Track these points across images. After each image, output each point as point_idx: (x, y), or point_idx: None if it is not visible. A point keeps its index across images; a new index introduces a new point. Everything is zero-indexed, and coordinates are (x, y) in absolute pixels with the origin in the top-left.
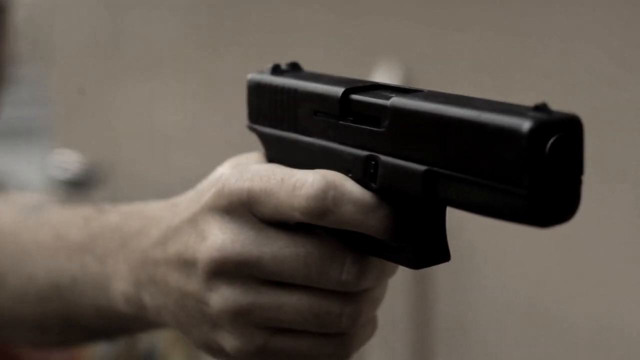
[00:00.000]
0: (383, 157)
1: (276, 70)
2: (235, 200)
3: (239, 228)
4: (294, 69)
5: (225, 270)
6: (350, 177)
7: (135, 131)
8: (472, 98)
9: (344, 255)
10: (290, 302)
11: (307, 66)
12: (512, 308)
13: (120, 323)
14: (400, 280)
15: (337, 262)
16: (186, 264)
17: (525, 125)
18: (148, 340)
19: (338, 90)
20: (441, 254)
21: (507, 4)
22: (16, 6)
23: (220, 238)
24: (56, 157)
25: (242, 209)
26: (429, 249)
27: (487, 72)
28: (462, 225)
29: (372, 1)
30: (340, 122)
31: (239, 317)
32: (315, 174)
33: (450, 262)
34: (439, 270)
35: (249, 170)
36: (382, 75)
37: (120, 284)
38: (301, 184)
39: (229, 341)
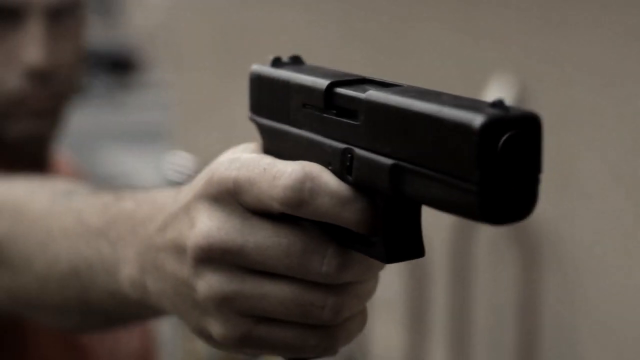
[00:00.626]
0: (358, 150)
1: (276, 62)
2: (223, 189)
3: (225, 216)
4: (295, 62)
5: (211, 257)
6: (330, 169)
7: (249, 135)
8: (442, 93)
9: (325, 247)
10: (274, 291)
11: (425, 81)
12: (618, 316)
13: (130, 308)
14: (505, 286)
15: (319, 254)
16: (179, 250)
17: (477, 120)
18: None
19: (323, 83)
20: (414, 250)
21: (621, 22)
22: (150, 13)
23: (207, 225)
24: (171, 159)
25: (229, 197)
26: (401, 244)
27: (599, 86)
28: (571, 234)
29: (488, 18)
30: (324, 114)
31: (224, 304)
32: (295, 165)
33: (557, 269)
34: (547, 276)
35: (238, 159)
36: (497, 90)
37: (127, 268)
38: (280, 174)
39: (215, 327)
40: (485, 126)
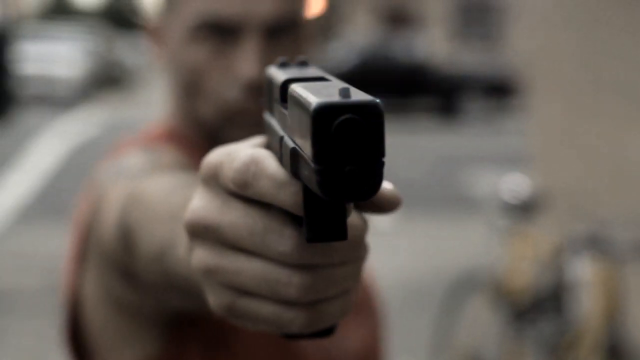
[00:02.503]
0: (285, 137)
1: (283, 64)
2: (208, 173)
3: (210, 197)
4: (300, 65)
5: (196, 231)
6: (277, 156)
7: (597, 161)
8: (337, 85)
9: (283, 228)
10: (247, 267)
11: None
12: None
13: (191, 287)
14: None
15: (276, 233)
16: None
17: (313, 104)
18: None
19: (282, 79)
20: (335, 233)
21: None
22: (530, 36)
23: (195, 204)
24: (509, 182)
25: (213, 180)
26: (322, 226)
27: None
28: None
29: None
30: (281, 107)
31: (209, 276)
32: (247, 151)
33: None
34: None
35: (225, 148)
36: None
37: (181, 249)
38: (235, 159)
39: (208, 297)
40: (317, 109)
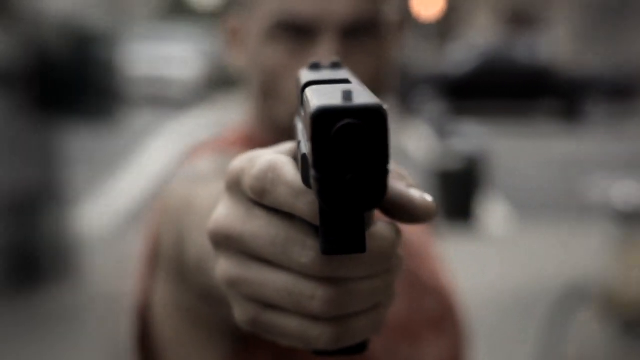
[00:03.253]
0: (301, 143)
1: (314, 66)
2: (230, 180)
3: (234, 205)
4: (333, 66)
5: (218, 241)
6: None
7: None
8: (342, 90)
9: (305, 239)
10: (271, 279)
11: None
12: None
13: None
14: None
15: (298, 245)
16: None
17: (313, 108)
18: None
19: (304, 81)
20: (353, 245)
21: None
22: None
23: (218, 212)
24: (620, 189)
25: (236, 187)
26: (339, 237)
27: None
28: None
29: None
30: (301, 110)
31: (232, 287)
32: (266, 157)
33: None
34: None
35: (248, 154)
36: None
37: (213, 260)
38: (255, 165)
39: (234, 310)
40: (316, 113)
